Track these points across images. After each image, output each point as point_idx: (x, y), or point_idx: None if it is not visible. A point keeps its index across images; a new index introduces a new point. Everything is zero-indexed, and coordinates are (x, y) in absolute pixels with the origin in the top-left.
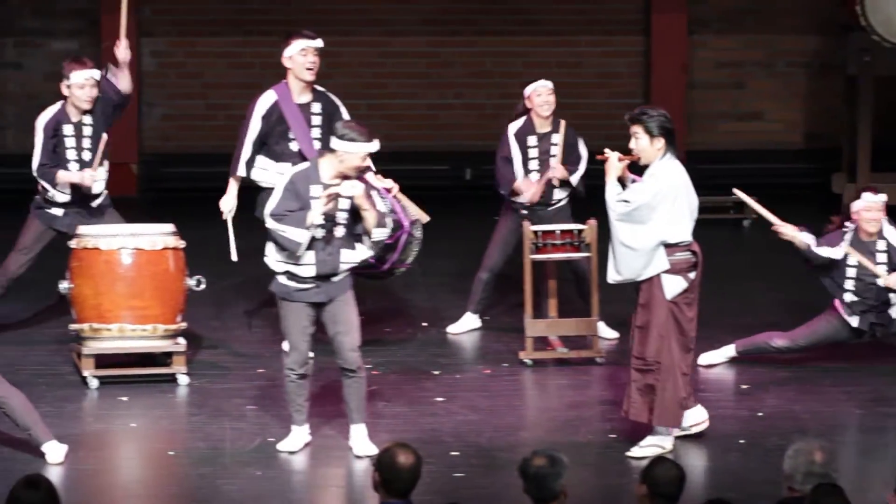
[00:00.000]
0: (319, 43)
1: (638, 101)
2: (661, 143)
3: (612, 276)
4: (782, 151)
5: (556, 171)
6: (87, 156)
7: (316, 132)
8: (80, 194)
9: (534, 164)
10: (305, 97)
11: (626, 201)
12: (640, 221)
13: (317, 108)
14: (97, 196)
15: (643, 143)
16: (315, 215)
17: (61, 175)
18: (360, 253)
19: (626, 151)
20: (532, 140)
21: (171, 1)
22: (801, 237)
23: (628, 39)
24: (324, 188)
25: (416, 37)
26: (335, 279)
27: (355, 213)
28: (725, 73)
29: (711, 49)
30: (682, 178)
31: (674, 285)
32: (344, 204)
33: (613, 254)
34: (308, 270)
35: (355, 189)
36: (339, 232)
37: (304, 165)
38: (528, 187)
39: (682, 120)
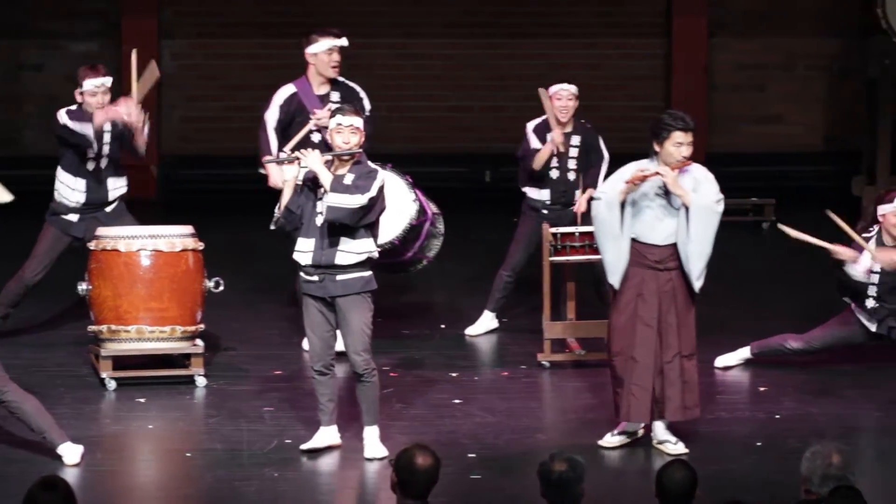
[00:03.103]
0: (345, 42)
1: (659, 105)
2: None
3: (699, 283)
4: (802, 154)
5: (581, 204)
6: (104, 164)
7: None
8: (94, 196)
9: (553, 162)
10: (324, 88)
11: (718, 201)
12: None
13: (336, 97)
14: (111, 202)
15: (692, 148)
16: (286, 193)
17: (98, 117)
18: (364, 246)
19: (641, 153)
20: (554, 134)
21: (191, 3)
22: (854, 271)
23: (649, 42)
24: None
25: (436, 39)
26: (339, 277)
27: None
28: (746, 76)
29: (732, 52)
30: None
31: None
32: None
33: (701, 259)
34: (305, 258)
35: (307, 156)
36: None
37: None
38: (548, 148)
39: (703, 122)
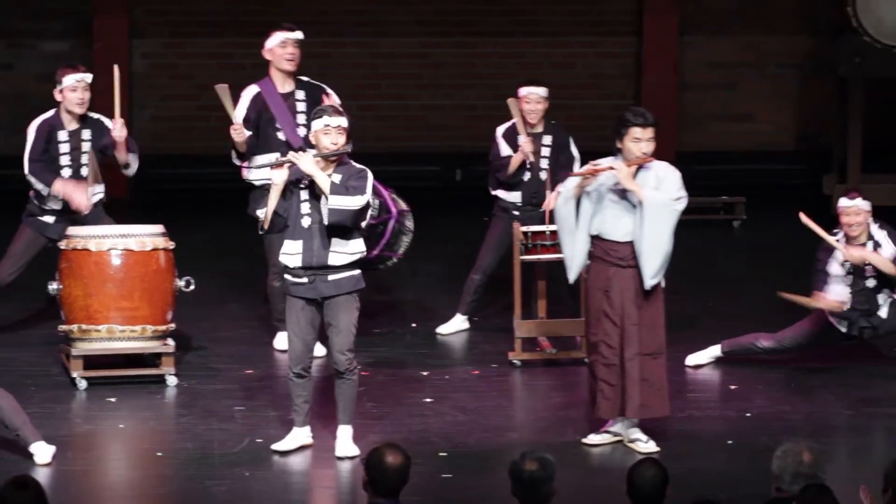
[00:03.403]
0: (299, 35)
1: (630, 103)
2: None
3: (652, 281)
4: (773, 153)
5: (550, 203)
6: (84, 171)
7: (301, 119)
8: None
9: (525, 164)
10: (288, 87)
11: (678, 199)
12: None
13: (300, 95)
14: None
15: (654, 144)
16: (273, 197)
17: (57, 184)
18: (356, 246)
19: (610, 152)
20: (522, 139)
21: (163, 2)
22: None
23: (620, 41)
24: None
25: (408, 38)
26: (331, 277)
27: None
28: (717, 75)
29: (703, 50)
30: None
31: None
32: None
33: (656, 257)
34: (294, 260)
35: (300, 159)
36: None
37: None
38: (519, 156)
39: (673, 121)
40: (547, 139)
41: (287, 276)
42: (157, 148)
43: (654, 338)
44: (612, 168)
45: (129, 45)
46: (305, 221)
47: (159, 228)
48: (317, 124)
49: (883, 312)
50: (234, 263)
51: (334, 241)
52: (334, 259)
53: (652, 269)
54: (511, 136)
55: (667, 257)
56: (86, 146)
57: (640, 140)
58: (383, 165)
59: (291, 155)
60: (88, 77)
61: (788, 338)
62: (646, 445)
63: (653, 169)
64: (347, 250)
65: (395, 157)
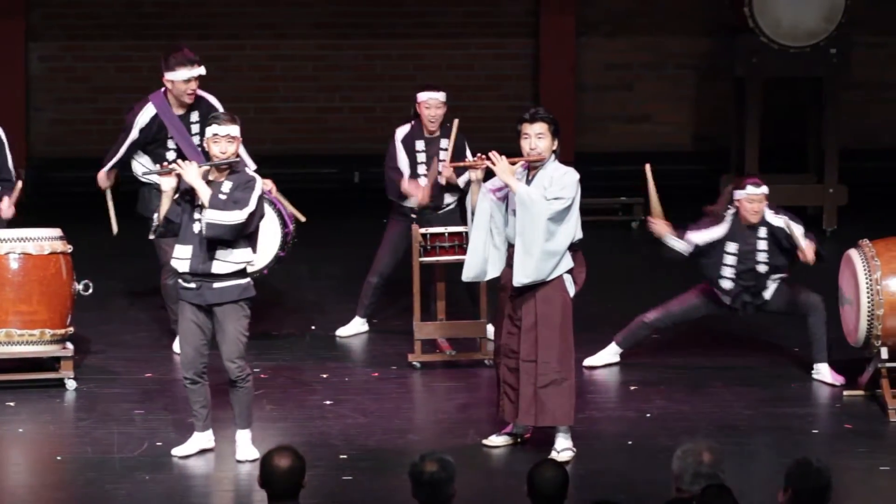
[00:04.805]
0: (202, 70)
1: (527, 104)
2: (555, 143)
3: (522, 279)
4: (671, 153)
5: (445, 170)
6: None
7: (196, 140)
8: None
9: (422, 169)
10: (183, 108)
11: (557, 199)
12: (564, 221)
13: (195, 116)
14: None
15: (547, 142)
16: (164, 203)
17: None
18: (242, 256)
19: (512, 153)
20: (420, 144)
21: (60, 5)
22: (673, 242)
23: (518, 42)
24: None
25: (306, 40)
26: (216, 285)
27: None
28: (614, 76)
29: (600, 51)
30: None
31: (570, 284)
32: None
33: (528, 255)
34: (183, 266)
35: (184, 169)
36: None
37: None
38: (415, 190)
39: (570, 122)
40: (444, 143)
41: (178, 281)
42: (54, 151)
43: (552, 342)
44: (489, 160)
45: (26, 47)
46: (196, 227)
47: (57, 232)
48: (207, 132)
49: (768, 294)
50: (132, 267)
51: (219, 250)
52: (217, 267)
53: (523, 266)
54: (410, 140)
55: (545, 257)
56: None
57: (528, 136)
58: (281, 168)
59: (177, 164)
60: None
61: (675, 306)
62: (558, 455)
63: (549, 169)
64: (231, 259)
65: (293, 159)
